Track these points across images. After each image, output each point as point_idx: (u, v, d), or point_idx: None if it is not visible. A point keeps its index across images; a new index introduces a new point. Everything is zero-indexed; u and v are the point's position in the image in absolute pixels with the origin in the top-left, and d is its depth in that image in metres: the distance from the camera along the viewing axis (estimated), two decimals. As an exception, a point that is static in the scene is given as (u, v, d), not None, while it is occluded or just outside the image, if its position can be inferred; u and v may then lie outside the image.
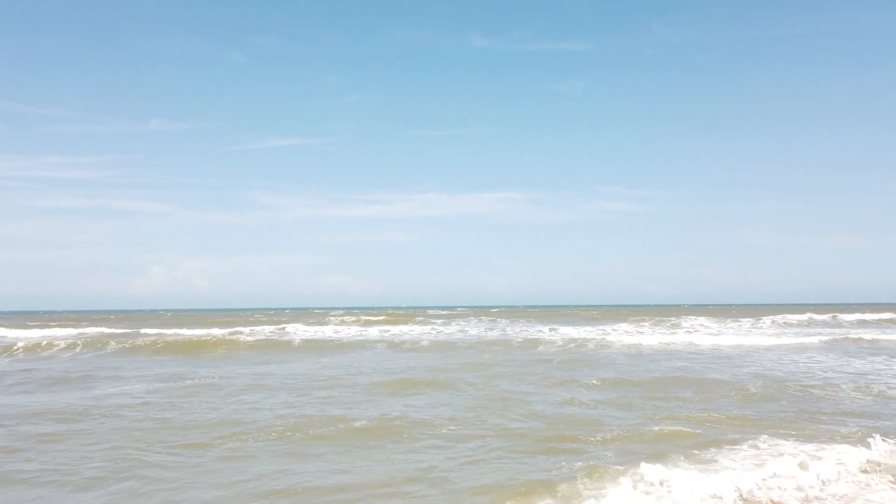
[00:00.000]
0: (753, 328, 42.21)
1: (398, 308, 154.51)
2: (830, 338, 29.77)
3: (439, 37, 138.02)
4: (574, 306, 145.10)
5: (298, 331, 38.59)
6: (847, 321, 49.95)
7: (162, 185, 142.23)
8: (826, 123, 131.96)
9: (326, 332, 38.61)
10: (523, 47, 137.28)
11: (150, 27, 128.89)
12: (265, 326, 43.62)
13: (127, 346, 27.75)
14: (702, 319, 51.93)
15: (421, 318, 59.81)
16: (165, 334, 34.16)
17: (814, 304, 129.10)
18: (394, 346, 27.85)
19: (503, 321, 55.49)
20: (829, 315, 56.89)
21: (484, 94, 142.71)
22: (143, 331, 38.61)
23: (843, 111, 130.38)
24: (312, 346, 28.08)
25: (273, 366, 20.82)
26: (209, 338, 30.39)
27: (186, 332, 36.24)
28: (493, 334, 35.55)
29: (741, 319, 53.00)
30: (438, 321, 54.14)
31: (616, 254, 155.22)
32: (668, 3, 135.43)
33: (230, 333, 34.09)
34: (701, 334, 33.96)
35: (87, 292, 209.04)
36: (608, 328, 40.00)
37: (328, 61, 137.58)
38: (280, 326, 42.73)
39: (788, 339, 29.86)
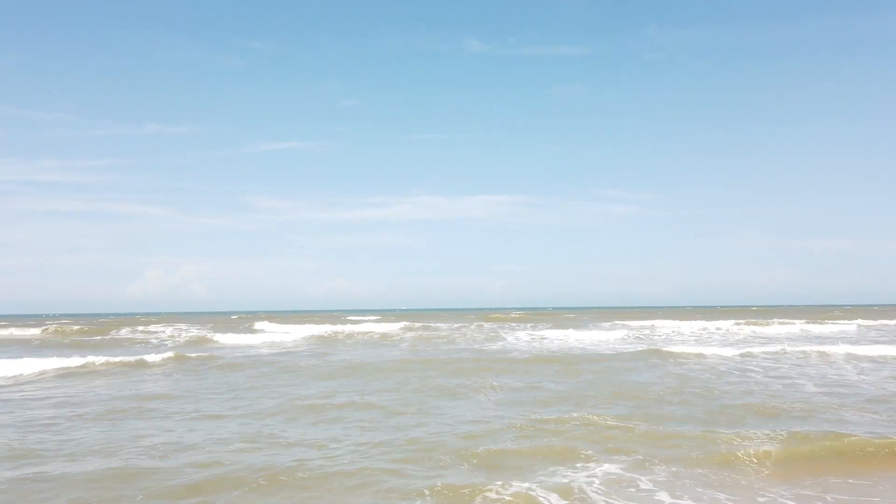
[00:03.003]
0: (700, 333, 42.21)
1: (394, 311, 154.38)
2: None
3: (436, 42, 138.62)
4: (572, 308, 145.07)
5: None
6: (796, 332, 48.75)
7: (159, 189, 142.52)
8: (823, 127, 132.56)
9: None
10: (520, 52, 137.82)
11: (146, 32, 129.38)
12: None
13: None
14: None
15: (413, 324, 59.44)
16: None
17: (808, 306, 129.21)
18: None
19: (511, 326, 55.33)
20: (804, 320, 55.43)
21: (481, 98, 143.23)
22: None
23: (840, 115, 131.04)
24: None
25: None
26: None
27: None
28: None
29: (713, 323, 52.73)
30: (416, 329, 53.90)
31: (613, 256, 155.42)
32: (665, 8, 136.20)
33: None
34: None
35: (84, 296, 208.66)
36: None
37: (326, 66, 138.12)
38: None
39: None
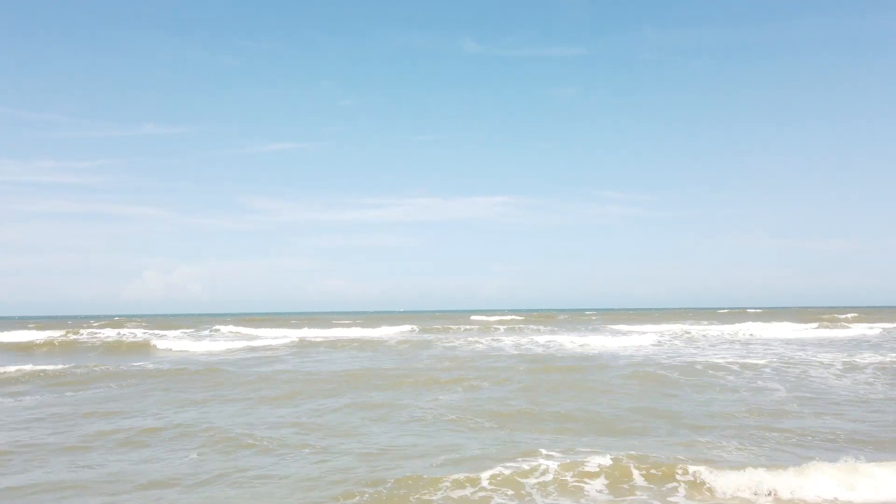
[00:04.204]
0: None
1: (394, 312, 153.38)
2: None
3: (433, 42, 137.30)
4: (568, 310, 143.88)
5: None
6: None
7: (156, 190, 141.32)
8: (819, 127, 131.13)
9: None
10: (516, 52, 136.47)
11: (143, 31, 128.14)
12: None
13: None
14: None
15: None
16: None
17: (810, 308, 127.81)
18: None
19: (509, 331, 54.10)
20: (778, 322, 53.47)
21: (478, 98, 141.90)
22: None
23: (836, 115, 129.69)
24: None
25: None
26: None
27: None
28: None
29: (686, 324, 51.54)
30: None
31: (610, 257, 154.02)
32: (660, 8, 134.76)
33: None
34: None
35: (81, 297, 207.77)
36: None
37: (323, 65, 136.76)
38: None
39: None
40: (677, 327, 45.60)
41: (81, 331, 44.47)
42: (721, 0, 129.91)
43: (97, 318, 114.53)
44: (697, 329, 42.31)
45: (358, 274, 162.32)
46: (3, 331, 46.56)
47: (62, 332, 40.17)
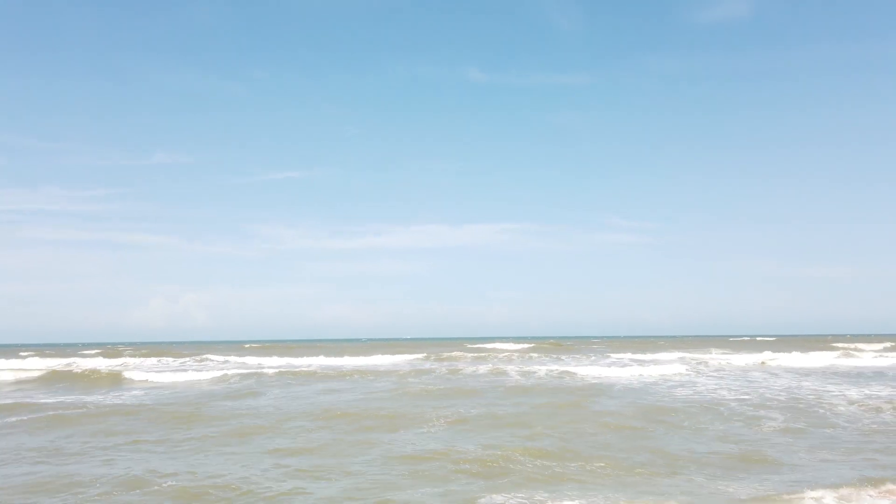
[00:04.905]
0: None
1: (401, 339, 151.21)
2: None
3: (438, 71, 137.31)
4: (575, 337, 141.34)
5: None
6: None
7: (163, 218, 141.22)
8: (824, 151, 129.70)
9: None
10: (521, 80, 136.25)
11: (152, 61, 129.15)
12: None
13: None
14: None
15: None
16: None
17: (817, 336, 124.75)
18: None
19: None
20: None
21: (482, 126, 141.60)
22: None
23: (840, 139, 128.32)
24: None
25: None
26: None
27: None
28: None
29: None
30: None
31: (616, 283, 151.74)
32: (663, 36, 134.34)
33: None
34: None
35: (87, 324, 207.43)
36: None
37: (329, 95, 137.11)
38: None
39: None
40: (688, 356, 43.57)
41: (72, 359, 43.11)
42: (722, 27, 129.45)
43: (102, 345, 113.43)
44: (716, 359, 40.11)
45: (364, 301, 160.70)
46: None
47: (45, 361, 38.83)
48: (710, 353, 48.56)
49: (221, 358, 45.85)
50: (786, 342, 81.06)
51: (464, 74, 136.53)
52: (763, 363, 36.25)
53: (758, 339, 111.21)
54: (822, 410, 15.89)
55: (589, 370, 29.04)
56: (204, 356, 47.86)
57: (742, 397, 18.76)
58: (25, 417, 15.96)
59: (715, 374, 28.09)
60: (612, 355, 47.55)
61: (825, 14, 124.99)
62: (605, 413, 15.46)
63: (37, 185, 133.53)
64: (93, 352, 66.25)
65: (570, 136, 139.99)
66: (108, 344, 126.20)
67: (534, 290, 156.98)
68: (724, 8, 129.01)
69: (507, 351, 58.49)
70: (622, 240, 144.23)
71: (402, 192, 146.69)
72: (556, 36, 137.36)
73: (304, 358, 46.19)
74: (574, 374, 27.65)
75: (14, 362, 40.06)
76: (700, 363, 35.81)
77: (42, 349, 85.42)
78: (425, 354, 47.60)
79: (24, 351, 74.97)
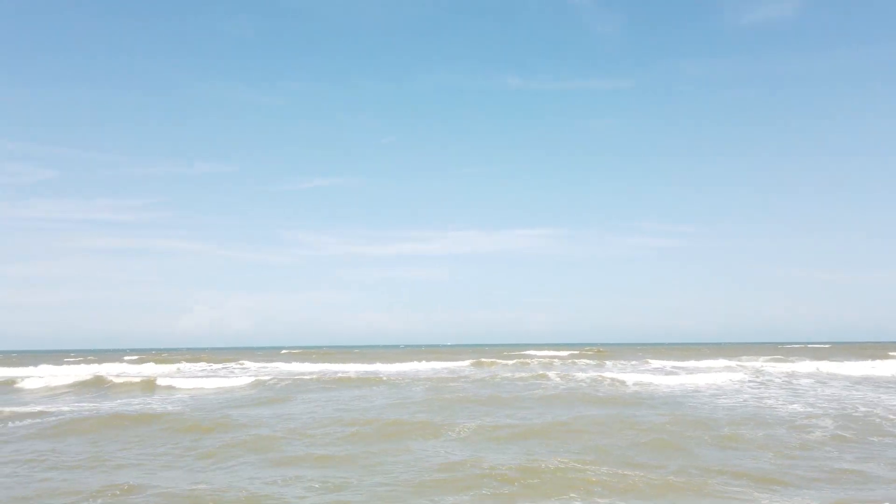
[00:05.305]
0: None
1: (438, 346, 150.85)
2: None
3: (473, 78, 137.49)
4: (614, 344, 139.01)
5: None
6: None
7: (205, 226, 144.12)
8: (865, 155, 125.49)
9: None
10: (556, 86, 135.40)
11: (193, 74, 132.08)
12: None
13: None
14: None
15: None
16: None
17: (864, 343, 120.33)
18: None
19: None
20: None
21: (518, 132, 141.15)
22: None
23: (881, 146, 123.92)
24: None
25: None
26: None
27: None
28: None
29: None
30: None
31: (653, 289, 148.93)
32: (703, 39, 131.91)
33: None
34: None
35: (135, 330, 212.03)
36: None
37: (364, 104, 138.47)
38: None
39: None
40: (733, 363, 42.22)
41: (110, 365, 43.89)
42: (764, 29, 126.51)
43: (146, 351, 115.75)
44: (764, 366, 38.71)
45: (400, 307, 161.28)
46: (39, 363, 46.41)
47: (81, 368, 39.52)
48: (758, 361, 47.04)
49: (256, 364, 46.12)
50: (839, 349, 78.31)
51: (500, 81, 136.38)
52: (813, 371, 34.81)
53: (809, 346, 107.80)
54: (877, 420, 14.96)
55: (630, 377, 28.20)
56: (240, 362, 48.24)
57: (789, 406, 17.86)
58: (30, 422, 16.00)
59: (763, 381, 27.00)
60: (654, 362, 46.42)
61: (871, 16, 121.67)
62: (645, 422, 14.79)
63: (85, 196, 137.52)
64: (133, 357, 67.64)
65: (607, 141, 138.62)
66: (153, 350, 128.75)
67: (571, 296, 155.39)
68: (766, 10, 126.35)
69: (545, 357, 57.65)
70: (659, 244, 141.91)
71: (438, 199, 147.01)
72: (595, 41, 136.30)
73: (340, 364, 46.16)
74: (615, 380, 26.86)
75: (49, 368, 40.90)
76: (748, 371, 34.57)
77: (86, 355, 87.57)
78: (462, 361, 47.14)
79: (70, 357, 76.95)
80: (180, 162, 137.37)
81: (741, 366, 39.97)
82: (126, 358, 65.89)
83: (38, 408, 19.06)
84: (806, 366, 37.93)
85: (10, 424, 15.74)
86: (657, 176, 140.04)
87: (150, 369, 39.86)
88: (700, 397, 20.84)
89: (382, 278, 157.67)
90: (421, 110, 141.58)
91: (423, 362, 46.90)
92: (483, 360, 48.60)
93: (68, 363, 48.07)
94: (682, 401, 19.72)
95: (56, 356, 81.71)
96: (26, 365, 46.79)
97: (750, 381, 26.92)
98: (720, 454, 11.42)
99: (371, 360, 51.06)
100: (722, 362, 44.92)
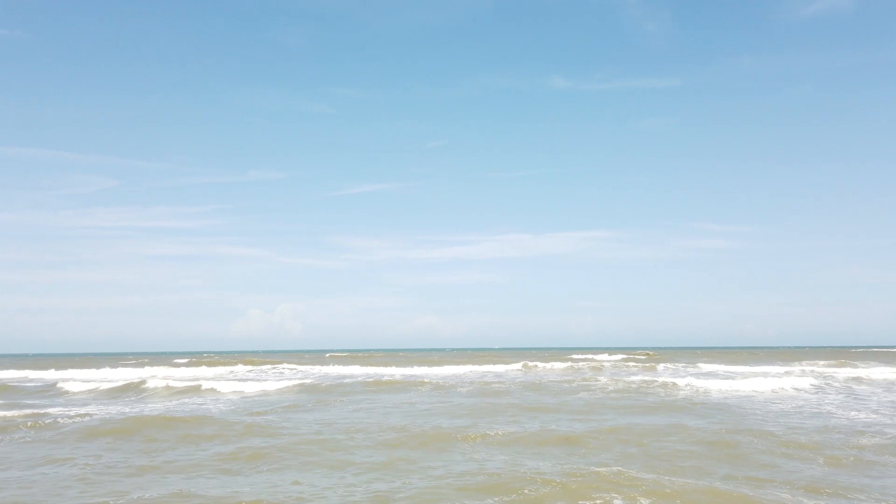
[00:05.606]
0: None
1: (487, 350, 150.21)
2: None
3: (520, 80, 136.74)
4: (667, 348, 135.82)
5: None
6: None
7: (258, 232, 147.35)
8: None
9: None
10: (606, 86, 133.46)
11: (244, 83, 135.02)
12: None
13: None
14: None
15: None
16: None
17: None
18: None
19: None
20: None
21: (567, 134, 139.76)
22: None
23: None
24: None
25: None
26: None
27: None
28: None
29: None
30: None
31: (709, 292, 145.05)
32: (758, 35, 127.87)
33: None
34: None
35: (192, 334, 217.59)
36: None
37: (411, 110, 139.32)
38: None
39: None
40: (798, 367, 40.60)
41: (159, 368, 44.94)
42: (821, 24, 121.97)
43: (198, 353, 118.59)
44: (833, 372, 37.01)
45: (448, 311, 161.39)
46: (102, 366, 47.92)
47: (128, 372, 40.56)
48: (819, 365, 45.17)
49: (301, 367, 46.58)
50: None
51: (546, 82, 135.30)
52: (878, 376, 33.14)
53: (876, 349, 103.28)
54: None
55: (682, 381, 27.32)
56: (285, 365, 48.82)
57: (849, 413, 16.91)
58: (77, 424, 16.26)
59: (822, 386, 25.80)
60: (706, 366, 45.06)
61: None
62: (694, 428, 14.18)
63: (143, 204, 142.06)
64: (183, 360, 69.36)
65: (658, 141, 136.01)
66: (206, 353, 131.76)
67: (622, 298, 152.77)
68: (822, 3, 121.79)
69: (594, 361, 56.63)
70: (717, 245, 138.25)
71: (485, 202, 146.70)
72: (643, 39, 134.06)
73: (385, 367, 46.22)
74: (666, 384, 26.05)
75: (98, 373, 42.07)
76: (807, 375, 33.14)
77: (141, 357, 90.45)
78: (510, 365, 46.63)
79: (128, 360, 79.45)
80: (233, 170, 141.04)
81: (802, 370, 38.39)
82: (176, 361, 67.56)
83: (83, 409, 19.47)
84: (871, 371, 36.17)
85: (61, 425, 16.05)
86: (715, 175, 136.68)
87: (196, 372, 40.67)
88: (754, 403, 19.98)
89: (430, 282, 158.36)
90: (467, 114, 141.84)
91: (470, 366, 46.55)
92: (531, 363, 47.97)
93: (124, 366, 49.43)
94: (735, 406, 18.91)
95: (113, 359, 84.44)
96: (88, 367, 48.39)
97: (808, 387, 25.73)
98: (771, 462, 10.81)
99: (417, 364, 50.98)
100: (780, 367, 43.25)
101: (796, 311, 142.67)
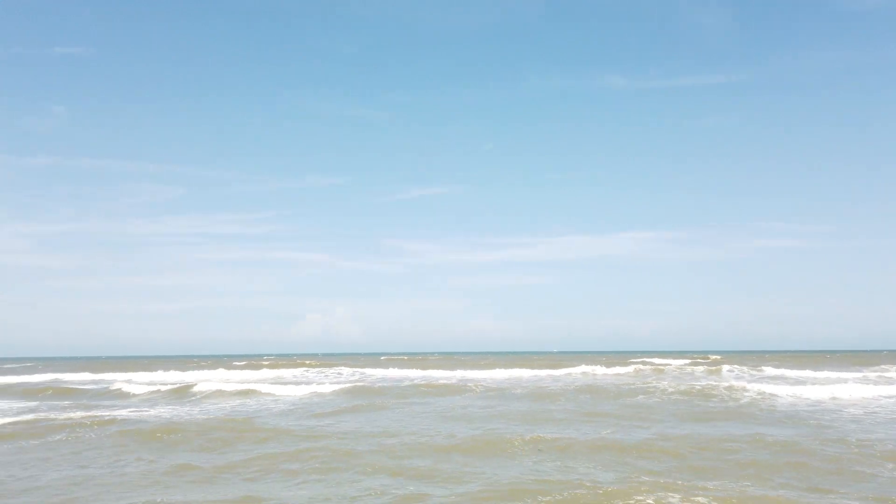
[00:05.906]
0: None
1: (545, 353, 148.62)
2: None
3: (575, 80, 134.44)
4: (733, 352, 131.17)
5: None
6: None
7: (317, 237, 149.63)
8: None
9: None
10: (665, 83, 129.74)
11: (300, 92, 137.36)
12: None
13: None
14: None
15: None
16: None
17: None
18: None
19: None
20: None
21: (624, 133, 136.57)
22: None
23: None
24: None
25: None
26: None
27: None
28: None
29: None
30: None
31: (777, 293, 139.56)
32: (822, 27, 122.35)
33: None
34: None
35: (254, 337, 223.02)
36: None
37: (464, 112, 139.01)
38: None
39: None
40: (872, 374, 38.41)
41: (217, 371, 45.94)
42: (882, 16, 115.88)
43: (256, 356, 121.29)
44: None
45: (504, 313, 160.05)
46: (169, 368, 49.37)
47: (185, 375, 41.75)
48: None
49: (355, 370, 46.79)
50: None
51: (603, 81, 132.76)
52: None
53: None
54: None
55: (747, 387, 26.07)
56: (339, 368, 49.15)
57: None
58: (132, 427, 16.47)
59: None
60: (773, 370, 43.16)
61: None
62: (756, 435, 13.37)
63: (210, 211, 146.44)
64: (241, 363, 70.86)
65: (720, 138, 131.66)
66: (267, 355, 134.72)
67: (684, 301, 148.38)
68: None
69: (655, 365, 55.06)
70: (785, 245, 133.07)
71: (541, 204, 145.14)
72: (701, 34, 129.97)
73: (439, 370, 46.00)
74: (731, 388, 24.91)
75: (153, 374, 43.21)
76: (884, 381, 31.28)
77: (202, 360, 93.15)
78: (567, 369, 45.75)
79: (192, 362, 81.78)
80: (292, 176, 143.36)
81: (880, 376, 36.32)
82: (234, 363, 69.07)
83: (144, 411, 19.89)
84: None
85: (122, 426, 16.32)
86: (781, 173, 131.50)
87: (253, 375, 41.34)
88: (823, 409, 18.85)
89: (487, 285, 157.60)
90: (521, 115, 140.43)
91: (527, 369, 45.87)
92: (588, 367, 46.93)
93: (183, 369, 50.70)
94: (802, 413, 17.89)
95: (179, 362, 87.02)
96: (154, 370, 49.87)
97: (884, 394, 24.18)
98: (835, 469, 10.07)
99: (471, 367, 50.60)
100: (856, 372, 41.04)
101: (863, 312, 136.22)
